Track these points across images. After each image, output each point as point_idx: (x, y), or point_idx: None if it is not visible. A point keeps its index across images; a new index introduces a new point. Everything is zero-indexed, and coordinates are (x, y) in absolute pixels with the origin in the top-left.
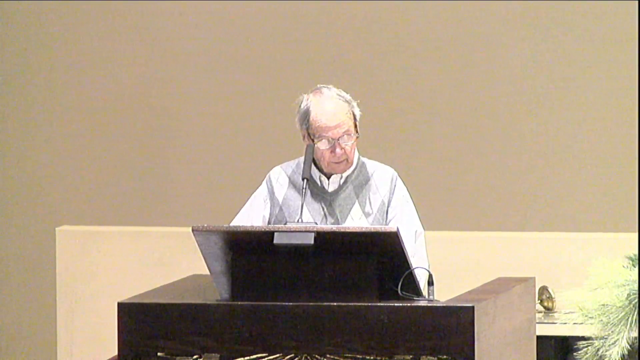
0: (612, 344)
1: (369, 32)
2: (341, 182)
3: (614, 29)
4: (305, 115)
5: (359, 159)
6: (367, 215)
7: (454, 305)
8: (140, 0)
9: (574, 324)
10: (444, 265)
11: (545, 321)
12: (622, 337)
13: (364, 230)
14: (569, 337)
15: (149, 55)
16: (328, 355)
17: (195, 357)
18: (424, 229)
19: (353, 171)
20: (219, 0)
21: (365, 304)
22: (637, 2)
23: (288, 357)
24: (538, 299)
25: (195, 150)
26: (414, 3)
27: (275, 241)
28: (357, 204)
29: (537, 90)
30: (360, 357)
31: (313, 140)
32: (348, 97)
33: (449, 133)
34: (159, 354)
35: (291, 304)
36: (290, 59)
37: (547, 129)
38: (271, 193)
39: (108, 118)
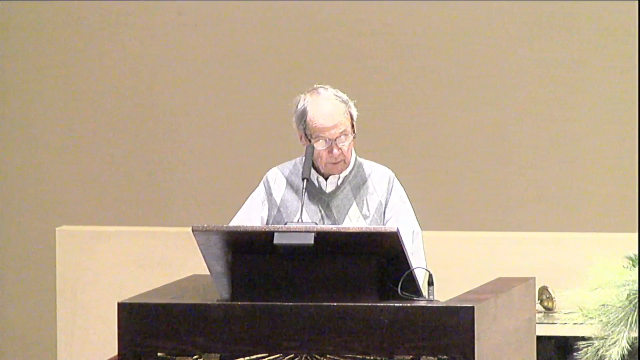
0: (612, 344)
1: (367, 32)
2: (339, 183)
3: (614, 29)
4: (302, 116)
5: (356, 159)
6: (365, 217)
7: (454, 305)
8: (141, 0)
9: (574, 324)
10: (444, 265)
11: (545, 321)
12: (622, 337)
13: (364, 230)
14: (569, 337)
15: (148, 56)
16: (328, 355)
17: (195, 357)
18: (421, 228)
19: (350, 172)
20: (218, 0)
21: (365, 304)
22: (637, 2)
23: (288, 357)
24: (538, 299)
25: (195, 150)
26: (412, 3)
27: (275, 241)
28: (354, 204)
29: (536, 90)
30: (360, 357)
31: (310, 141)
32: (345, 97)
33: (448, 133)
34: (159, 354)
35: (291, 304)
36: (288, 59)
37: (547, 129)
38: (269, 194)
39: (108, 118)
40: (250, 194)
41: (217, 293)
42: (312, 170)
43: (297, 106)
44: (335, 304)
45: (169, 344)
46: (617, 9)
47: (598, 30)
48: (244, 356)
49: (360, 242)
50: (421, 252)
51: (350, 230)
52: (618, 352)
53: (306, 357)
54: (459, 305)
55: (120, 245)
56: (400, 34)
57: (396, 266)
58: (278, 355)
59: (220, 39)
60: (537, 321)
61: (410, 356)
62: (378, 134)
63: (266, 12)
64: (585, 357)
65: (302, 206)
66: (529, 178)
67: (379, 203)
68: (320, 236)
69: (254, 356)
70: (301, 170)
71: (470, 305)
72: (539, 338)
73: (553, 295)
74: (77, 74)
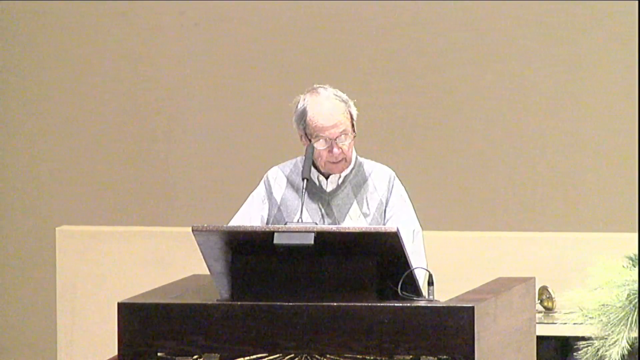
0: (612, 344)
1: (366, 31)
2: (339, 182)
3: (614, 29)
4: (302, 116)
5: (356, 158)
6: (365, 215)
7: (454, 305)
8: (140, 0)
9: (574, 324)
10: (444, 265)
11: (545, 321)
12: (622, 337)
13: (364, 230)
14: (569, 337)
15: (148, 56)
16: (328, 355)
17: (195, 357)
18: (421, 228)
19: (351, 171)
20: (218, 0)
21: (365, 304)
22: (637, 2)
23: (288, 357)
24: (538, 299)
25: (195, 150)
26: (411, 3)
27: (275, 241)
28: (355, 203)
29: (536, 90)
30: (360, 357)
31: (310, 141)
32: (345, 96)
33: (448, 132)
34: (159, 354)
35: (291, 304)
36: (288, 59)
37: (547, 129)
38: (269, 193)
39: (108, 118)
40: (251, 193)
41: (217, 293)
42: (313, 169)
43: (297, 106)
44: (335, 304)
45: (169, 344)
46: (617, 9)
47: (598, 30)
48: (244, 356)
49: (360, 242)
50: (422, 252)
51: (350, 230)
52: (618, 352)
53: (306, 357)
54: (459, 305)
55: (120, 245)
56: (400, 33)
57: (396, 266)
58: (278, 355)
59: (220, 39)
60: (537, 321)
61: (410, 356)
62: (378, 133)
63: (266, 12)
64: (585, 357)
65: (302, 206)
66: (529, 178)
67: (380, 202)
68: (320, 236)
69: (254, 356)
70: (301, 169)
71: (470, 305)
72: (539, 338)
73: (553, 295)
74: (77, 74)
